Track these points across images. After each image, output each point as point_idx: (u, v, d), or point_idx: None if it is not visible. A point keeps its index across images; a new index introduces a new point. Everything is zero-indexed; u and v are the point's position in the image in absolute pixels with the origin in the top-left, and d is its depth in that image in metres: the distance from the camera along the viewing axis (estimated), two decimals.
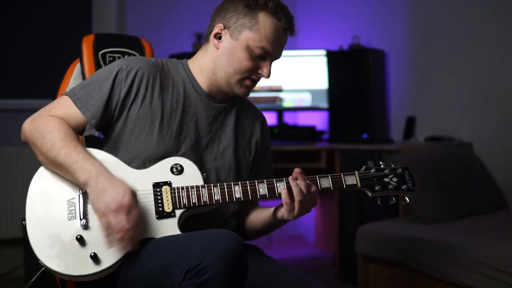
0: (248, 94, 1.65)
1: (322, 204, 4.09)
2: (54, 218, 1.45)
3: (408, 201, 1.61)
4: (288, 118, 4.00)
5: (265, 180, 1.54)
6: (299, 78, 3.86)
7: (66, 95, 1.57)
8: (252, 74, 1.60)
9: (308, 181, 1.53)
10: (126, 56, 1.91)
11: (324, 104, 3.83)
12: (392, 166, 1.62)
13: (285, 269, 1.58)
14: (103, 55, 1.90)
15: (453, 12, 3.54)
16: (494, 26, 3.35)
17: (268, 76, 1.60)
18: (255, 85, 1.65)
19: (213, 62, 1.61)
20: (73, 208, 1.46)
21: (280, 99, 3.84)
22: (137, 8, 3.76)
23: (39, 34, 3.58)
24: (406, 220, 2.93)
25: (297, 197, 1.50)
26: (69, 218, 1.45)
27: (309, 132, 3.71)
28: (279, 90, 3.84)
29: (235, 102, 1.70)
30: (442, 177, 2.93)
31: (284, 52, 4.40)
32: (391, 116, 3.86)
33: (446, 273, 2.44)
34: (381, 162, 1.62)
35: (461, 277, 2.38)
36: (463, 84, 3.49)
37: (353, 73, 3.63)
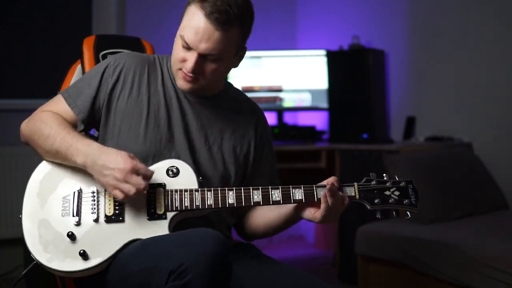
0: (188, 87, 1.56)
1: None
2: (48, 214, 1.49)
3: (409, 216, 1.56)
4: (288, 118, 4.00)
5: (260, 188, 1.52)
6: (299, 78, 3.86)
7: (60, 93, 1.62)
8: (182, 67, 1.55)
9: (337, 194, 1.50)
10: None
11: (324, 104, 3.83)
12: (396, 178, 1.57)
13: (284, 267, 1.58)
14: (104, 56, 1.90)
15: (453, 12, 3.54)
16: (494, 26, 3.35)
17: (190, 69, 1.51)
18: (193, 79, 1.55)
19: None
20: (67, 205, 1.49)
21: (280, 99, 3.84)
22: (137, 8, 3.76)
23: (39, 34, 3.58)
24: (406, 220, 2.93)
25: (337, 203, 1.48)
26: (63, 214, 1.48)
27: (309, 132, 3.71)
28: (279, 90, 3.84)
29: (225, 98, 1.69)
30: (442, 177, 2.93)
31: (284, 52, 4.36)
32: (391, 116, 3.85)
33: (446, 273, 2.44)
34: (384, 175, 1.58)
35: (461, 277, 2.38)
36: (463, 84, 3.49)
37: (353, 73, 3.63)
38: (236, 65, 1.64)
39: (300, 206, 1.54)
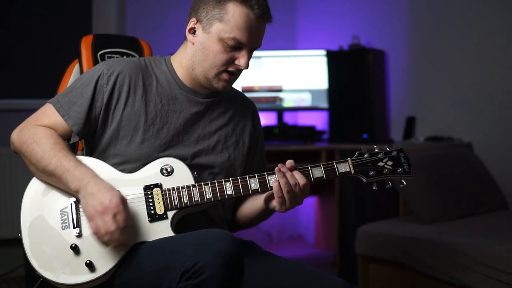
0: (228, 87, 1.62)
1: (322, 204, 4.09)
2: (48, 228, 1.47)
3: (405, 183, 1.58)
4: (288, 118, 4.00)
5: (256, 175, 1.53)
6: (299, 78, 3.86)
7: (50, 102, 1.58)
8: (229, 67, 1.56)
9: (297, 174, 1.50)
10: (124, 57, 1.92)
11: (324, 104, 3.83)
12: (387, 149, 1.59)
13: (286, 261, 1.59)
14: (102, 55, 1.90)
15: (453, 12, 3.54)
16: (494, 26, 3.35)
17: (247, 67, 1.56)
18: (235, 78, 1.61)
19: (191, 58, 1.60)
20: (66, 217, 1.48)
21: (280, 99, 3.84)
22: (137, 8, 3.76)
23: (39, 34, 3.58)
24: (406, 220, 2.93)
25: (284, 188, 1.48)
26: (63, 227, 1.47)
27: (309, 132, 3.71)
28: (279, 90, 3.84)
29: (223, 95, 1.69)
30: (442, 177, 2.93)
31: (284, 52, 4.37)
32: (391, 116, 3.85)
33: (446, 273, 2.44)
34: (375, 146, 1.60)
35: (461, 277, 2.38)
36: (463, 84, 3.49)
37: (353, 73, 3.63)
38: None
39: (269, 197, 1.55)
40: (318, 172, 1.53)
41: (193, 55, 1.59)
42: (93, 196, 1.41)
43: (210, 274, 1.27)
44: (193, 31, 1.59)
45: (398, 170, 1.57)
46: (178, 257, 1.32)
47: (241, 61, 1.55)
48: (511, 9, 3.27)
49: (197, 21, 1.57)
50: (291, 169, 1.51)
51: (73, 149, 1.76)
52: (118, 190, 1.45)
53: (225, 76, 1.57)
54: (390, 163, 1.57)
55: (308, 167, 1.53)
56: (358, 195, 3.29)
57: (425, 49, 3.69)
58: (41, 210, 1.49)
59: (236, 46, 1.54)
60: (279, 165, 1.50)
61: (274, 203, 1.52)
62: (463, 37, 3.48)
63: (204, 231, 1.39)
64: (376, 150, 1.59)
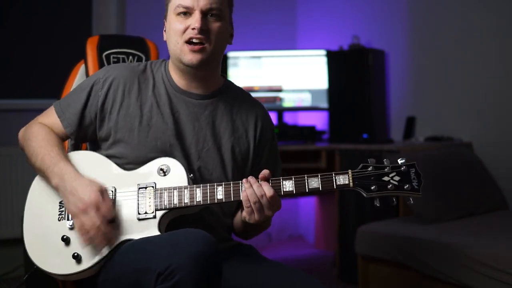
0: (197, 61, 1.55)
1: (322, 204, 4.09)
2: (46, 218, 1.51)
3: (412, 202, 1.49)
4: (288, 118, 4.00)
5: None
6: (299, 78, 3.86)
7: (54, 103, 1.65)
8: (186, 36, 1.55)
9: (265, 185, 1.46)
10: (130, 57, 1.94)
11: (324, 104, 3.83)
12: (398, 162, 1.51)
13: (278, 266, 1.57)
14: (107, 56, 1.91)
15: (453, 12, 3.54)
16: (494, 26, 3.35)
17: (199, 25, 1.52)
18: (202, 50, 1.55)
19: (169, 50, 1.63)
20: (63, 209, 1.51)
21: (280, 99, 3.84)
22: (137, 8, 3.76)
23: (39, 34, 3.58)
24: (406, 220, 2.93)
25: (250, 198, 1.45)
26: (59, 218, 1.51)
27: (309, 132, 3.71)
28: (279, 90, 3.84)
29: (224, 97, 1.67)
30: (442, 177, 2.93)
31: (284, 52, 4.35)
32: (391, 116, 3.86)
33: (446, 273, 2.44)
34: (384, 160, 1.52)
35: (461, 277, 2.38)
36: (463, 84, 3.49)
37: (353, 73, 3.63)
38: (230, 42, 1.65)
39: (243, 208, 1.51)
40: (314, 183, 1.49)
41: (168, 46, 1.62)
42: (73, 194, 1.45)
43: (182, 276, 1.26)
44: (165, 30, 1.64)
45: (405, 187, 1.49)
46: (154, 259, 1.32)
47: (193, 23, 1.54)
48: (511, 9, 3.28)
49: (164, 20, 1.64)
50: (263, 180, 1.47)
51: (77, 148, 1.77)
52: (98, 182, 1.47)
53: (186, 48, 1.56)
54: (397, 178, 1.50)
55: (304, 177, 1.48)
56: (358, 195, 3.28)
57: (425, 49, 3.69)
58: (44, 201, 1.53)
59: (187, 12, 1.56)
60: (248, 177, 1.48)
61: (244, 213, 1.50)
62: (463, 37, 3.48)
63: (180, 231, 1.39)
64: (385, 163, 1.50)
